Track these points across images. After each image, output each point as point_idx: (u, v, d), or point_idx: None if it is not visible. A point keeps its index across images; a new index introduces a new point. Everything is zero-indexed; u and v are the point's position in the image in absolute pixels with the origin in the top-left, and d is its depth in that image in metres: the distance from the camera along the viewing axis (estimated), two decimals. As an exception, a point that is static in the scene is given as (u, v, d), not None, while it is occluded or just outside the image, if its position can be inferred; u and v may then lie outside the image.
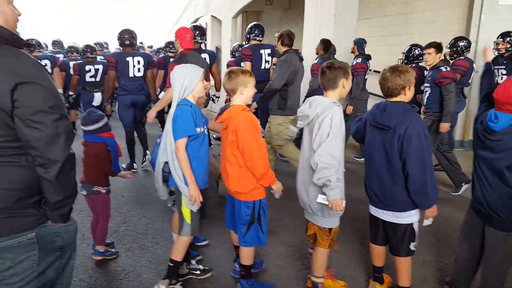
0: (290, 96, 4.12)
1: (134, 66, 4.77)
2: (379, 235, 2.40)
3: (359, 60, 5.35)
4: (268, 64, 4.99)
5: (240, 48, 5.66)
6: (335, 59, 5.21)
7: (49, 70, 5.97)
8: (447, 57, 4.83)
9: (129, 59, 4.75)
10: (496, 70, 4.85)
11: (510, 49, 4.72)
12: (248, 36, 5.05)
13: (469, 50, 4.80)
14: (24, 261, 1.40)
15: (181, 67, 2.41)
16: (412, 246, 2.28)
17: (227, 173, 2.39)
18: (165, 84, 4.37)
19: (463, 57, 4.72)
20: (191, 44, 3.98)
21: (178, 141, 2.26)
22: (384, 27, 7.80)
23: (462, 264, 2.36)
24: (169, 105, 2.64)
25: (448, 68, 4.14)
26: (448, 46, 4.78)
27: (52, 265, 1.48)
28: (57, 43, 8.08)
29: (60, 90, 5.92)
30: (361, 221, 3.49)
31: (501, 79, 4.77)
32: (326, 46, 5.36)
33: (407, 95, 2.20)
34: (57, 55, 6.90)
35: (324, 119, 2.15)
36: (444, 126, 4.11)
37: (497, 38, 5.03)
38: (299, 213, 3.63)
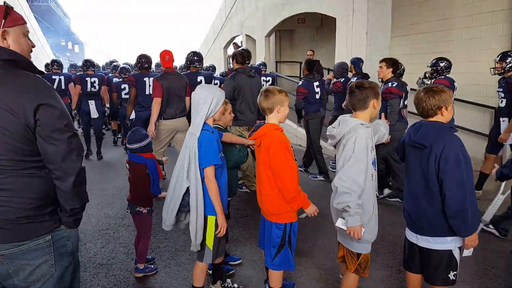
0: (239, 109, 4.62)
1: (149, 86, 5.37)
2: (415, 261, 2.23)
3: (355, 79, 5.30)
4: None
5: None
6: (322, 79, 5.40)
7: (97, 87, 6.69)
8: (427, 75, 4.75)
9: (146, 79, 5.45)
10: (497, 93, 4.52)
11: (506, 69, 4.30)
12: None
13: (449, 71, 4.64)
14: (42, 265, 1.56)
15: (207, 87, 2.33)
16: (451, 276, 2.09)
17: (260, 192, 2.40)
18: None
19: (443, 76, 4.59)
20: (171, 64, 4.73)
21: (207, 169, 2.21)
22: (419, 44, 7.58)
23: None
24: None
25: (395, 84, 4.33)
26: (429, 65, 4.74)
27: (67, 269, 1.64)
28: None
29: (107, 105, 6.94)
30: (401, 247, 3.35)
31: (501, 102, 4.41)
32: (310, 66, 5.42)
33: (444, 116, 2.09)
34: (109, 74, 7.93)
35: (348, 141, 2.11)
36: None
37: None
38: (332, 233, 3.61)
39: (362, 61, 5.71)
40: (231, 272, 2.96)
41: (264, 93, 2.35)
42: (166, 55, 4.71)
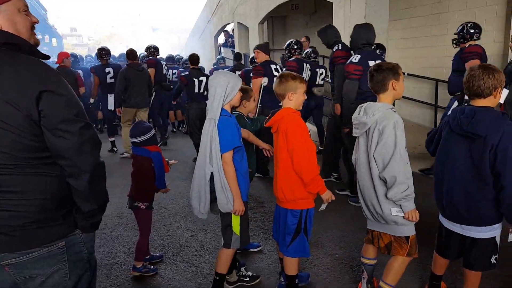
0: (129, 95, 6.03)
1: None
2: (453, 249, 2.24)
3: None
4: None
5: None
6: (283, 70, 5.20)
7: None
8: (454, 42, 4.50)
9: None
10: None
11: None
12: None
13: (479, 36, 4.35)
14: (55, 274, 1.40)
15: (222, 73, 2.37)
16: (493, 260, 2.14)
17: (276, 179, 2.36)
18: None
19: (474, 43, 4.32)
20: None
21: (225, 154, 2.24)
22: (415, 28, 7.55)
23: None
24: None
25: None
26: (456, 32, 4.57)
27: (82, 278, 1.49)
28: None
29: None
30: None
31: None
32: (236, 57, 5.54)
33: (496, 98, 2.03)
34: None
35: (386, 127, 2.06)
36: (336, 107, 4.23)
37: None
38: (343, 224, 3.60)
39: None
40: (244, 267, 2.87)
41: (278, 78, 2.34)
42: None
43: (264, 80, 4.50)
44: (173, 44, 27.70)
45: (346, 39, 6.33)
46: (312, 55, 6.23)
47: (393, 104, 2.23)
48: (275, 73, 4.78)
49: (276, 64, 5.00)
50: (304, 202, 2.32)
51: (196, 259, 3.13)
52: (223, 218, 2.43)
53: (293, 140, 2.21)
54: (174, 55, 9.52)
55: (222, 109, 2.29)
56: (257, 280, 2.77)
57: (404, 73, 6.16)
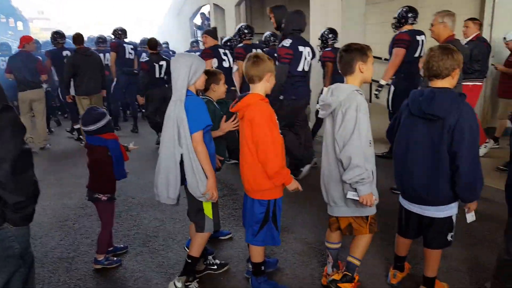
0: (80, 83, 5.85)
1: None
2: (412, 229, 2.28)
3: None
4: None
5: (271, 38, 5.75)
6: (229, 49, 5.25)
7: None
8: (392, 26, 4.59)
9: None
10: None
11: None
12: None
13: (414, 20, 4.43)
14: None
15: (185, 54, 2.36)
16: (449, 237, 2.19)
17: (243, 168, 2.29)
18: None
19: (404, 30, 4.39)
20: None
21: (196, 134, 2.18)
22: (393, 12, 7.51)
23: (506, 266, 2.11)
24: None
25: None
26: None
27: (14, 275, 1.37)
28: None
29: None
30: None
31: None
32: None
33: (454, 79, 2.03)
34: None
35: (349, 109, 2.02)
36: None
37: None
38: (314, 208, 3.56)
39: None
40: (213, 255, 2.81)
41: (253, 59, 2.21)
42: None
43: (214, 61, 4.57)
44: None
45: (322, 22, 6.28)
46: (271, 38, 5.96)
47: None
48: (224, 57, 4.85)
49: (224, 49, 5.04)
50: (271, 192, 2.26)
51: (163, 249, 3.04)
52: (193, 203, 2.36)
53: (258, 131, 2.13)
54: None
55: (188, 90, 2.23)
56: (225, 268, 2.71)
57: (380, 58, 6.18)
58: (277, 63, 3.85)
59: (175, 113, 2.18)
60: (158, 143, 6.25)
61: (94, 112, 2.60)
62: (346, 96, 2.06)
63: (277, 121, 2.26)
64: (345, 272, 2.21)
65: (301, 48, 3.99)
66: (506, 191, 2.02)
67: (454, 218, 2.17)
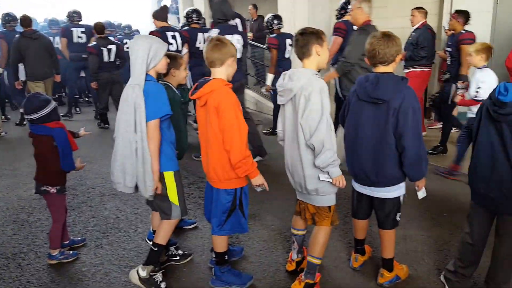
0: (30, 67, 5.62)
1: None
2: (363, 210, 2.38)
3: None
4: None
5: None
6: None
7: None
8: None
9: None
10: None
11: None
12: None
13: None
14: None
15: (144, 36, 2.25)
16: (397, 217, 2.28)
17: (207, 157, 2.20)
18: None
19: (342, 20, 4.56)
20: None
21: (152, 122, 2.12)
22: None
23: (470, 250, 2.18)
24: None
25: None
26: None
27: None
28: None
29: None
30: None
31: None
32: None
33: (396, 63, 2.11)
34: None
35: (312, 93, 1.99)
36: None
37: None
38: (282, 194, 3.55)
39: None
40: (176, 246, 2.75)
41: (214, 42, 2.14)
42: None
43: None
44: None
45: (290, 8, 6.19)
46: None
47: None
48: (171, 40, 4.75)
49: (174, 31, 4.90)
50: (238, 181, 2.21)
51: (123, 241, 2.95)
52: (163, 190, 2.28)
53: (225, 118, 2.06)
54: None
55: (147, 74, 2.15)
56: (189, 258, 2.67)
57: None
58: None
59: (133, 98, 2.09)
60: (99, 125, 6.27)
61: (36, 99, 2.43)
62: (307, 80, 2.03)
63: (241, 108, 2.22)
64: (307, 281, 2.21)
65: (228, 37, 3.98)
66: (468, 175, 2.09)
67: (401, 199, 2.26)
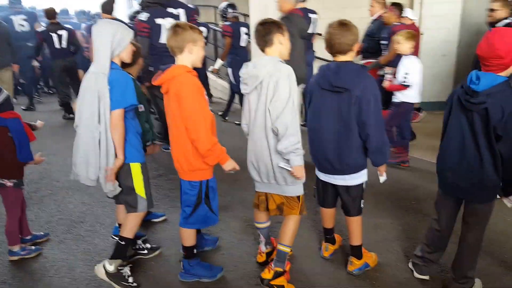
0: None
1: None
2: (329, 198, 2.42)
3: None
4: None
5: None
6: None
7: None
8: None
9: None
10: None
11: None
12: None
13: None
14: None
15: (108, 21, 2.20)
16: (362, 204, 2.35)
17: (172, 147, 2.18)
18: None
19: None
20: None
21: (116, 111, 2.07)
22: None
23: (437, 236, 2.24)
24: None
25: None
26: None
27: None
28: None
29: None
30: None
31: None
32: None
33: (354, 52, 2.14)
34: None
35: (280, 79, 1.99)
36: None
37: None
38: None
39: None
40: (144, 238, 2.71)
41: (173, 29, 2.10)
42: None
43: None
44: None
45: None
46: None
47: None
48: None
49: (124, 23, 5.00)
50: (203, 173, 2.19)
51: (89, 235, 2.88)
52: (122, 183, 2.23)
53: (187, 106, 2.02)
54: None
55: (112, 62, 2.09)
56: (157, 252, 2.63)
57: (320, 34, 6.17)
58: (137, 37, 4.02)
59: (97, 86, 2.03)
60: (64, 117, 6.06)
61: None
62: (273, 66, 2.02)
63: (207, 96, 2.18)
64: (276, 269, 2.22)
65: (159, 21, 4.00)
66: (437, 163, 2.14)
67: (364, 185, 2.32)
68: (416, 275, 2.33)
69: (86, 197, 3.45)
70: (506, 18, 3.78)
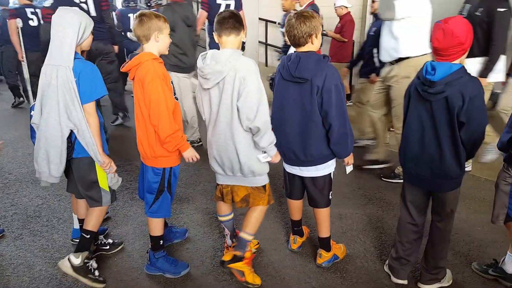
0: None
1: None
2: (296, 190, 2.45)
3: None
4: None
5: None
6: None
7: None
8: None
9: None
10: None
11: None
12: None
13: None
14: None
15: (71, 10, 2.14)
16: (330, 195, 2.38)
17: (137, 133, 2.21)
18: None
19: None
20: None
21: (89, 104, 2.08)
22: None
23: (410, 230, 2.22)
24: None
25: None
26: None
27: None
28: None
29: None
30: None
31: None
32: None
33: (314, 44, 2.13)
34: None
35: (248, 75, 2.00)
36: None
37: None
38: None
39: None
40: (105, 233, 2.70)
41: (138, 18, 2.14)
42: None
43: (18, 21, 4.75)
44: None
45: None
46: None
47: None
48: (31, 16, 5.15)
49: (34, 8, 5.24)
50: (167, 160, 2.22)
51: (47, 230, 2.81)
52: (84, 177, 2.22)
53: (150, 92, 2.05)
54: None
55: (76, 53, 2.07)
56: (120, 247, 2.61)
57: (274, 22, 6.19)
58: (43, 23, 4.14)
59: (62, 80, 1.99)
60: (13, 105, 5.94)
61: None
62: (237, 62, 2.01)
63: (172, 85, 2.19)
64: (235, 253, 2.24)
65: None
66: (399, 155, 2.20)
67: (332, 176, 2.35)
68: (394, 279, 2.29)
69: (41, 190, 3.35)
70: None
